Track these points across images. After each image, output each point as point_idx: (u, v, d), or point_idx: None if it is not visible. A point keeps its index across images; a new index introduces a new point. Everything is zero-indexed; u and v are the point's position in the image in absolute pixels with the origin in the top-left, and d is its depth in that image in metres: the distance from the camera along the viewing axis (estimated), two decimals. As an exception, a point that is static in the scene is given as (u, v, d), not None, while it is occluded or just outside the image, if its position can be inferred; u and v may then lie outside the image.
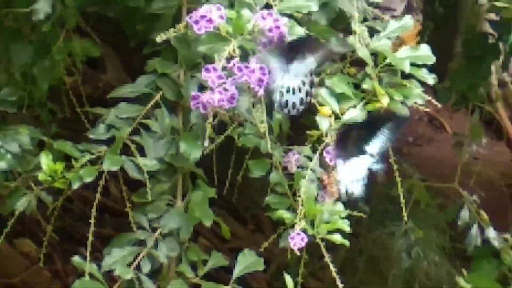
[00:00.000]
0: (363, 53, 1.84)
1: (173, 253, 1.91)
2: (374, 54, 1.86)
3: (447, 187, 3.34)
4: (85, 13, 2.56)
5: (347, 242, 1.78)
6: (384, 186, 2.97)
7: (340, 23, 1.94)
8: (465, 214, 2.96)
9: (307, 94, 1.74)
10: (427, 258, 3.50)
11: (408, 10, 7.29)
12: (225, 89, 1.65)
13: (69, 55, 2.34)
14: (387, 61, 1.84)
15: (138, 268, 1.87)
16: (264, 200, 1.89)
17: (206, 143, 1.76)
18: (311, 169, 1.81)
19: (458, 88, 3.40)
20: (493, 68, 3.60)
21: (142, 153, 1.92)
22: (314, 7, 1.81)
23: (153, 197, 1.91)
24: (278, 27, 1.68)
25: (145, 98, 1.97)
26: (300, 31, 1.75)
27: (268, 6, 1.76)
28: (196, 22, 1.67)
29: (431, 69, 1.89)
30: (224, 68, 1.65)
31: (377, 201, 3.61)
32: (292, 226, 1.77)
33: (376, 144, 1.79)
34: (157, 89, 1.97)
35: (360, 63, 1.89)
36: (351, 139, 1.78)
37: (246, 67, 1.65)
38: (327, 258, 1.80)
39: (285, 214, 1.81)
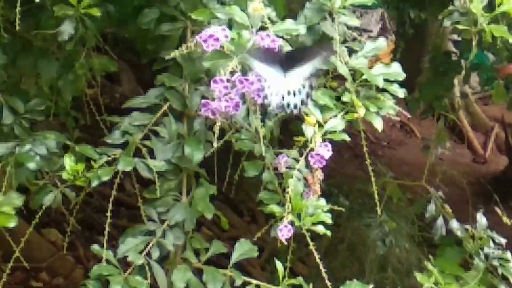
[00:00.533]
0: (343, 70, 1.84)
1: (179, 242, 1.90)
2: (353, 71, 1.86)
3: (416, 184, 3.34)
4: (103, 34, 2.56)
5: (329, 232, 1.78)
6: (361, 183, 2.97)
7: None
8: (431, 207, 2.95)
9: (307, 95, 1.74)
10: (399, 246, 3.51)
11: (383, 31, 7.30)
12: (231, 98, 1.66)
13: (90, 70, 2.34)
14: (364, 77, 1.84)
15: (149, 254, 1.86)
16: (258, 196, 1.88)
17: (215, 145, 1.74)
18: (298, 170, 1.80)
19: (426, 99, 3.41)
20: (456, 81, 3.61)
21: (152, 156, 1.92)
22: (302, 31, 1.83)
23: (162, 193, 1.91)
24: (275, 48, 1.70)
25: (155, 108, 1.97)
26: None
27: (263, 28, 1.77)
28: (205, 40, 1.67)
29: (402, 82, 1.89)
30: (227, 80, 1.66)
31: (355, 196, 3.62)
32: (282, 219, 1.77)
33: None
34: (165, 100, 1.97)
35: (341, 78, 1.89)
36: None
37: (246, 79, 1.65)
38: (312, 246, 1.80)
39: (275, 208, 1.80)
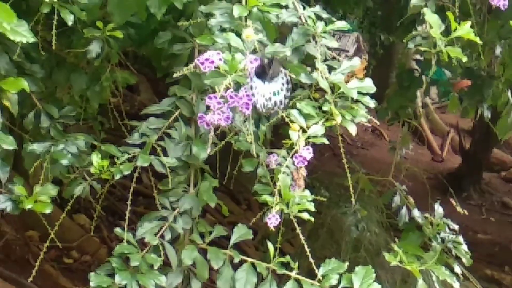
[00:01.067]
0: (323, 84, 1.84)
1: (187, 226, 1.90)
2: (332, 85, 1.86)
3: (384, 179, 3.34)
4: (125, 52, 2.56)
5: (312, 218, 1.78)
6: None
7: (308, 62, 1.94)
8: (397, 199, 2.95)
9: (287, 91, 1.81)
10: (370, 230, 3.51)
11: (358, 51, 7.31)
12: (223, 112, 1.66)
13: (114, 82, 2.34)
14: (341, 90, 1.84)
15: (162, 236, 1.86)
16: (253, 187, 1.88)
17: (209, 150, 1.79)
18: (286, 166, 1.81)
19: (393, 108, 3.41)
20: (418, 93, 3.60)
21: (165, 154, 1.92)
22: (288, 52, 1.84)
23: (173, 185, 1.91)
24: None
25: (168, 114, 1.98)
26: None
27: (255, 50, 1.78)
28: (202, 63, 1.67)
29: (373, 95, 1.89)
30: (222, 97, 1.66)
31: (334, 189, 3.62)
32: (273, 207, 1.77)
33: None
34: (176, 107, 1.97)
35: (322, 90, 1.89)
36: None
37: (236, 95, 1.65)
38: (298, 230, 1.81)
39: (268, 198, 1.80)
